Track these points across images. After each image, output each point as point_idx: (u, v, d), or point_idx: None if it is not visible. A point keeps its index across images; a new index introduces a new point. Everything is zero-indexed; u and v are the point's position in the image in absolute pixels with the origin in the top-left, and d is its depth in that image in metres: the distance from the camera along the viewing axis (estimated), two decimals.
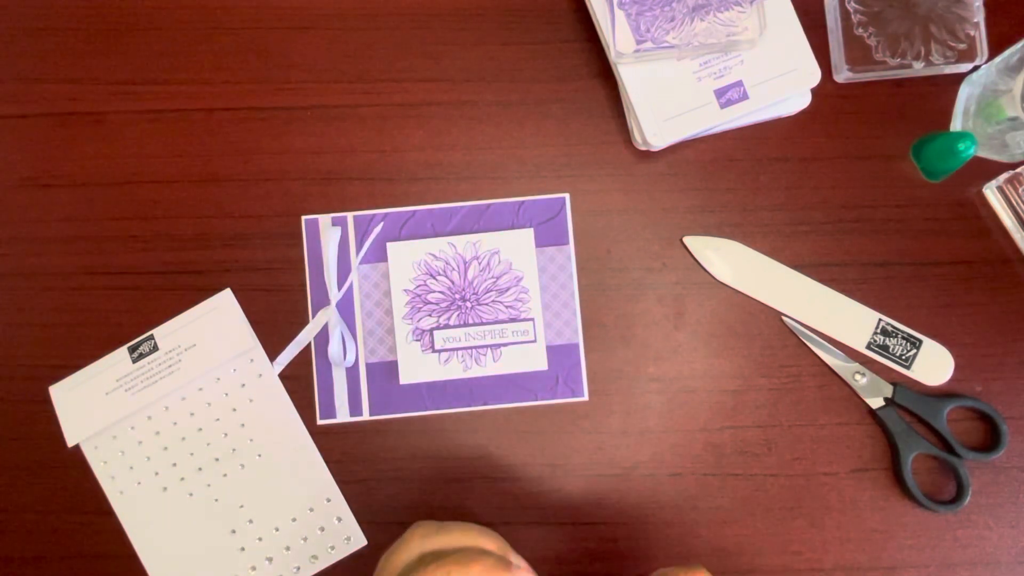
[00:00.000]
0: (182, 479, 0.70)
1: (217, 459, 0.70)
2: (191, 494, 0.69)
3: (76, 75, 0.73)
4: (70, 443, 0.69)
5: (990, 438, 0.70)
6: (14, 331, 0.71)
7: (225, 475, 0.70)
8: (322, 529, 0.69)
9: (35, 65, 0.73)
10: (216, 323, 0.70)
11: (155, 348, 0.70)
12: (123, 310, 0.71)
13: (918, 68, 0.70)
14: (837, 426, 0.70)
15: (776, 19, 0.69)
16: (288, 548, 0.69)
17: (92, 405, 0.69)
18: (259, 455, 0.70)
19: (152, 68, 0.73)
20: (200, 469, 0.70)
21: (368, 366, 0.70)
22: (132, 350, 0.70)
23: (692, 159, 0.72)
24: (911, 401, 0.69)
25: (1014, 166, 0.69)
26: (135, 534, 0.69)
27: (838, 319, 0.70)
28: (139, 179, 0.72)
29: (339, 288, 0.70)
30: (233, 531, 0.69)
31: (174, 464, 0.70)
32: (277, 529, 0.69)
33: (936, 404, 0.69)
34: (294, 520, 0.69)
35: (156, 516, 0.69)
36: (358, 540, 0.69)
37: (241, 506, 0.69)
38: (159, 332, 0.70)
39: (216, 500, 0.69)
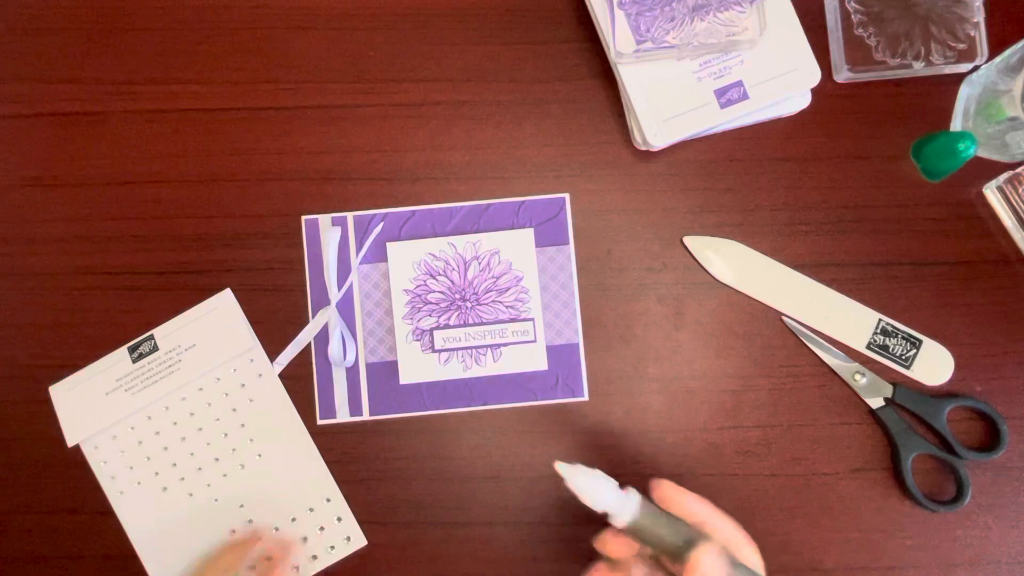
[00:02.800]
0: (182, 479, 0.70)
1: (217, 459, 0.70)
2: (191, 494, 0.69)
3: (76, 75, 0.73)
4: (70, 443, 0.69)
5: (990, 438, 0.70)
6: (14, 331, 0.71)
7: (225, 475, 0.70)
8: (322, 529, 0.69)
9: (35, 65, 0.73)
10: (216, 323, 0.70)
11: (155, 348, 0.70)
12: (123, 310, 0.71)
13: (918, 68, 0.70)
14: (837, 426, 0.70)
15: (776, 19, 0.69)
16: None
17: (92, 405, 0.69)
18: (259, 455, 0.70)
19: (152, 68, 0.73)
20: (200, 469, 0.70)
21: (368, 366, 0.70)
22: (132, 350, 0.70)
23: (692, 159, 0.72)
24: (911, 401, 0.69)
25: (1014, 166, 0.69)
26: (135, 534, 0.69)
27: (838, 319, 0.70)
28: (139, 179, 0.72)
29: (339, 288, 0.70)
30: (233, 531, 0.69)
31: (174, 464, 0.70)
32: (277, 529, 0.69)
33: (936, 404, 0.69)
34: (294, 520, 0.69)
35: (156, 516, 0.69)
36: (358, 540, 0.69)
37: (241, 506, 0.69)
38: (159, 332, 0.70)
39: (216, 500, 0.69)
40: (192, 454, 0.70)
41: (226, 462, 0.70)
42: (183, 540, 0.69)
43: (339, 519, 0.69)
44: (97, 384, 0.70)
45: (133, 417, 0.70)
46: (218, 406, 0.70)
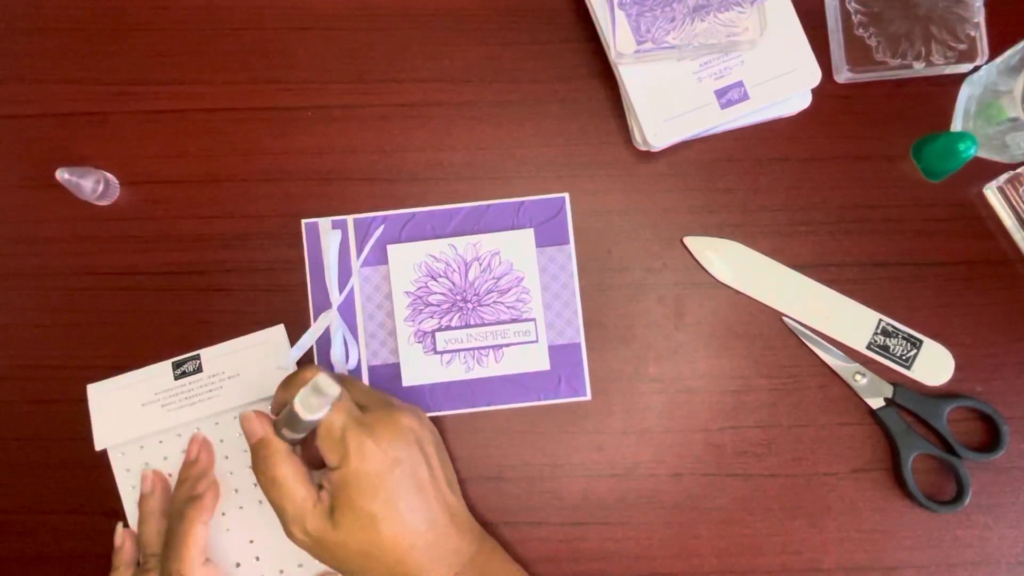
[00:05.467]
0: None
1: (236, 490, 0.69)
2: (204, 520, 0.69)
3: (76, 75, 0.73)
4: (98, 447, 0.69)
5: (990, 438, 0.70)
6: (14, 331, 0.71)
7: (241, 507, 0.69)
8: (281, 572, 0.69)
9: (35, 65, 0.73)
10: (263, 356, 0.70)
11: (199, 369, 0.70)
12: (122, 310, 0.71)
13: (918, 68, 0.70)
14: (837, 426, 0.70)
15: (776, 19, 0.69)
16: None
17: (127, 413, 0.69)
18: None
19: (152, 68, 0.73)
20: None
21: (370, 368, 0.70)
22: (176, 366, 0.70)
23: (692, 159, 0.72)
24: (911, 401, 0.69)
25: (1014, 166, 0.69)
26: None
27: (838, 319, 0.70)
28: (139, 179, 0.72)
29: (340, 291, 0.70)
30: (238, 564, 0.68)
31: None
32: (281, 572, 0.68)
33: (936, 404, 0.69)
34: (300, 566, 0.68)
35: None
36: None
37: (251, 541, 0.69)
38: (206, 354, 0.70)
39: (227, 530, 0.69)
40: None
41: (245, 495, 0.69)
42: None
43: (299, 564, 0.69)
44: (135, 393, 0.69)
45: (164, 432, 0.70)
46: None
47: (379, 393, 0.66)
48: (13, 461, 0.70)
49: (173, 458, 0.69)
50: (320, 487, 0.60)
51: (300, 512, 0.59)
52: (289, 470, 0.59)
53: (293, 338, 0.70)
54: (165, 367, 0.70)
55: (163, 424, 0.69)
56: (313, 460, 0.62)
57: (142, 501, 0.68)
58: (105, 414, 0.69)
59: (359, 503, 0.58)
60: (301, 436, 0.60)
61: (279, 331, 0.70)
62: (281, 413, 0.59)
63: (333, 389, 0.55)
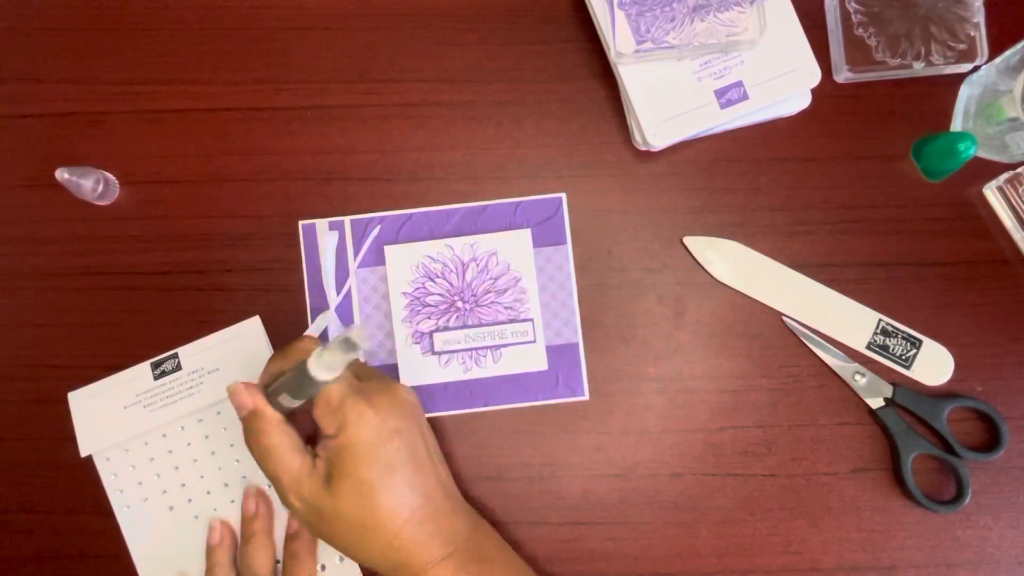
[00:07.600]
0: (189, 500, 0.69)
1: (227, 484, 0.69)
2: (196, 516, 0.69)
3: (76, 75, 0.73)
4: (83, 453, 0.69)
5: (990, 438, 0.70)
6: (16, 331, 0.71)
7: (232, 501, 0.69)
8: (323, 568, 0.69)
9: (35, 65, 0.73)
10: (241, 350, 0.70)
11: (178, 367, 0.70)
12: (123, 310, 0.71)
13: (918, 68, 0.70)
14: (837, 426, 0.70)
15: (776, 19, 0.69)
16: None
17: (109, 417, 0.69)
18: (269, 485, 0.69)
19: (152, 68, 0.73)
20: (209, 492, 0.69)
21: None
22: (155, 366, 0.70)
23: (692, 159, 0.72)
24: (911, 401, 0.69)
25: (1014, 166, 0.69)
26: (136, 549, 0.69)
27: (838, 319, 0.70)
28: (139, 179, 0.72)
29: (338, 292, 0.70)
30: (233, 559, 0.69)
31: (183, 484, 0.69)
32: (279, 562, 0.69)
33: (936, 404, 0.69)
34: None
35: (159, 534, 0.69)
36: None
37: None
38: (183, 352, 0.70)
39: None
40: (202, 477, 0.69)
41: (235, 489, 0.69)
42: (182, 561, 0.69)
43: (340, 559, 0.69)
44: (116, 396, 0.69)
45: (148, 433, 0.70)
46: (233, 432, 0.70)
47: (371, 368, 0.67)
48: (13, 460, 0.70)
49: (159, 460, 0.69)
50: (315, 456, 0.60)
51: (296, 479, 0.58)
52: (284, 439, 0.59)
53: (292, 336, 0.70)
54: (144, 368, 0.70)
55: (147, 425, 0.69)
56: (306, 431, 0.62)
57: (211, 552, 0.68)
58: (88, 420, 0.69)
59: (357, 471, 0.58)
60: (296, 405, 0.60)
61: (255, 323, 0.70)
62: (280, 380, 0.59)
63: (364, 343, 0.54)
